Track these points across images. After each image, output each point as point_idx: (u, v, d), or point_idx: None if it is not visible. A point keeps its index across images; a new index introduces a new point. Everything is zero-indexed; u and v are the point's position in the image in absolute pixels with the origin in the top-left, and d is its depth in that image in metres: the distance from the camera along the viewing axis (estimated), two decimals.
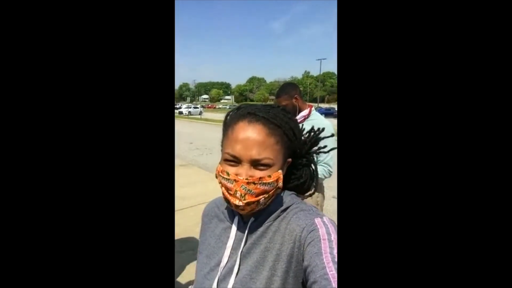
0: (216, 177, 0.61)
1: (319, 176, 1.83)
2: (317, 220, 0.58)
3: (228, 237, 0.64)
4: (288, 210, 0.63)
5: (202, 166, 6.12)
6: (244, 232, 0.62)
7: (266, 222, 0.62)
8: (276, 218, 0.62)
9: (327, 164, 1.81)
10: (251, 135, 0.56)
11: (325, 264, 0.50)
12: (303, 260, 0.55)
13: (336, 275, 0.48)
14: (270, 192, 0.59)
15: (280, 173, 0.59)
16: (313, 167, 0.71)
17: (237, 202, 0.57)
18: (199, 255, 0.70)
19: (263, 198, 0.58)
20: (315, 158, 0.72)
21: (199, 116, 30.76)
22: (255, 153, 0.56)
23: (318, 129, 0.72)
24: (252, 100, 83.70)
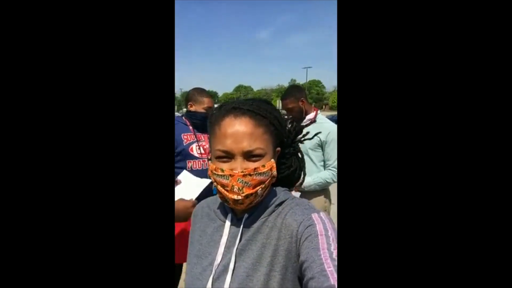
0: (209, 176, 0.62)
1: (328, 181, 1.84)
2: (314, 216, 0.58)
3: (221, 235, 0.64)
4: (283, 205, 0.63)
5: None
6: (238, 229, 0.62)
7: (261, 217, 0.62)
8: (271, 213, 0.62)
9: (335, 168, 1.81)
10: (240, 128, 0.58)
11: (323, 260, 0.50)
12: (299, 255, 0.55)
13: (334, 271, 0.48)
14: (266, 182, 0.60)
15: (273, 162, 0.61)
16: (300, 155, 0.73)
17: (235, 197, 0.57)
18: (189, 256, 0.69)
19: (260, 189, 0.59)
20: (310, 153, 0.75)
21: None
22: (246, 145, 0.57)
23: (300, 118, 0.74)
24: None
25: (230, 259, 0.59)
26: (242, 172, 0.57)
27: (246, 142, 0.57)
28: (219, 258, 0.61)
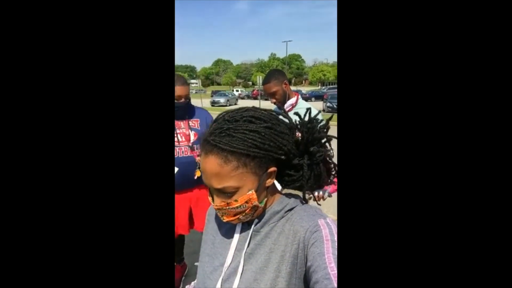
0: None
1: None
2: (321, 221, 0.59)
3: (232, 237, 0.65)
4: (292, 212, 0.64)
5: None
6: (248, 233, 0.64)
7: (270, 222, 0.63)
8: (280, 219, 0.63)
9: None
10: (207, 168, 0.56)
11: (327, 264, 0.51)
12: (306, 261, 0.56)
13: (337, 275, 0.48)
14: (247, 211, 0.59)
15: (249, 195, 0.58)
16: (306, 168, 0.63)
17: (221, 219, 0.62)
18: (201, 254, 0.71)
19: (241, 216, 0.60)
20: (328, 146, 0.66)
21: None
22: (215, 184, 0.57)
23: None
24: (219, 84, 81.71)
25: (239, 262, 0.61)
26: (216, 206, 0.60)
27: (214, 181, 0.57)
28: (229, 260, 0.63)
